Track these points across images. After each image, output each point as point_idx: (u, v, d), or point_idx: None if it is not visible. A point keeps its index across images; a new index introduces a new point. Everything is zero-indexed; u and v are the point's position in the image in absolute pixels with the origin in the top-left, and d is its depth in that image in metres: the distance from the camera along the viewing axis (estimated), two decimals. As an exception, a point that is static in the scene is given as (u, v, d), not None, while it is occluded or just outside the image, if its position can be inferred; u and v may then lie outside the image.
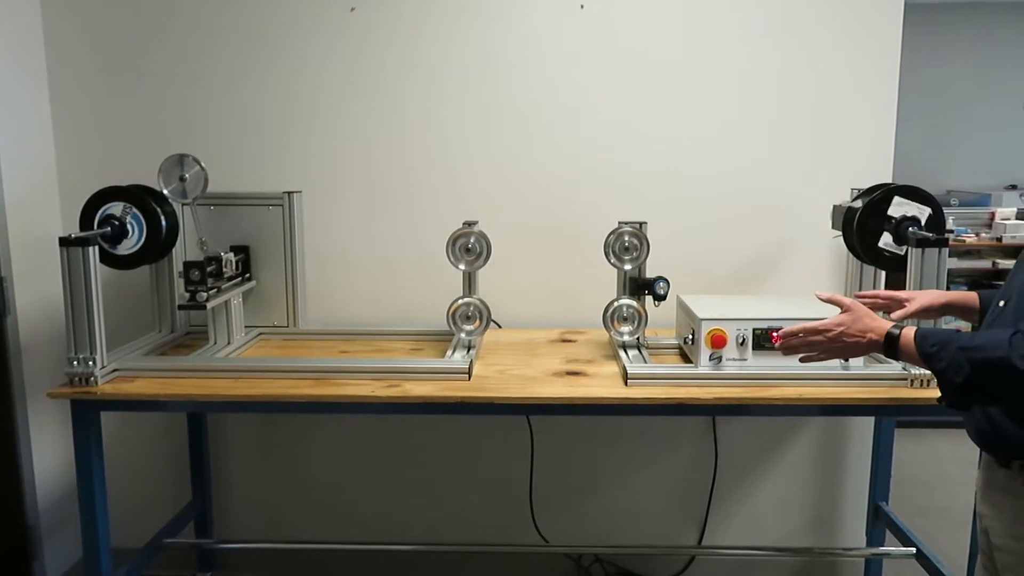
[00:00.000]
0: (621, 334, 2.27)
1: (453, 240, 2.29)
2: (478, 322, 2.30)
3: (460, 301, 2.30)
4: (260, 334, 2.57)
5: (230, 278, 2.40)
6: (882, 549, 2.76)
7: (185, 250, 2.47)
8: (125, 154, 2.68)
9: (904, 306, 1.78)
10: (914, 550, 2.53)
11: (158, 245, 2.28)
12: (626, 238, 2.27)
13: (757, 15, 2.60)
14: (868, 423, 2.77)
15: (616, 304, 2.28)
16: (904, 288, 1.99)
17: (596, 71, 2.64)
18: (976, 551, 2.05)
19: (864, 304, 1.69)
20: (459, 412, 2.36)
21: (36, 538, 2.63)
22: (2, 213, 2.47)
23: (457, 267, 2.30)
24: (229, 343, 2.40)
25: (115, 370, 2.11)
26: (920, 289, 1.96)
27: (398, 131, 2.69)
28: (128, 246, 2.25)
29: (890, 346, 1.54)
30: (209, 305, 2.22)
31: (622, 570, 2.91)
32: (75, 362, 2.02)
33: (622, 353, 2.23)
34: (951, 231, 4.86)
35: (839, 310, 1.67)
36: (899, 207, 2.15)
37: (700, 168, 2.67)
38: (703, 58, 2.63)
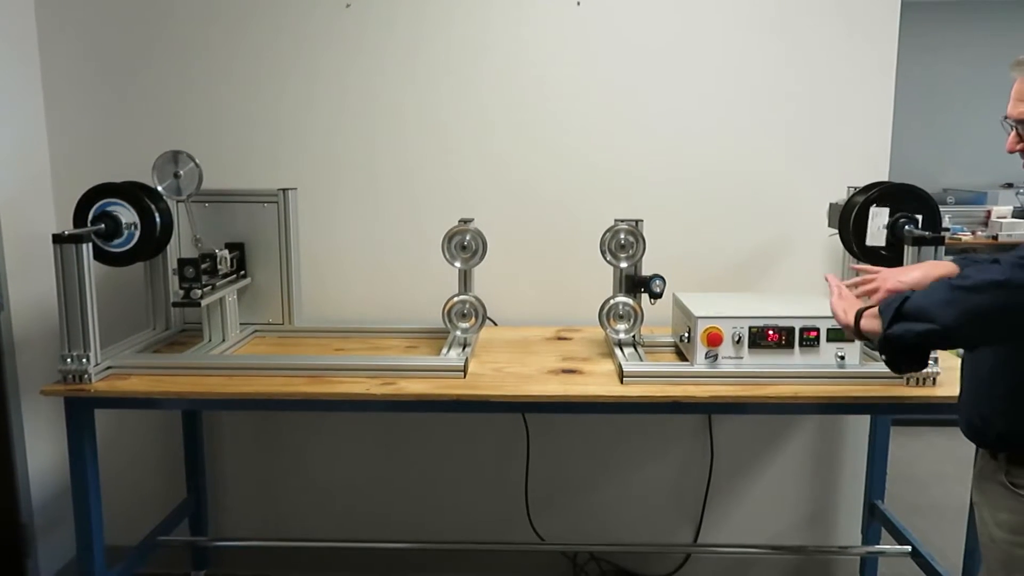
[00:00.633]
0: (617, 332, 2.27)
1: (449, 237, 2.28)
2: (474, 320, 2.29)
3: (456, 299, 2.29)
4: (255, 331, 2.56)
5: (225, 275, 2.39)
6: (878, 547, 2.76)
7: (180, 247, 2.46)
8: (119, 150, 2.66)
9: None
10: (909, 548, 2.54)
11: (152, 242, 2.27)
12: (622, 236, 2.27)
13: (754, 12, 2.60)
14: (864, 421, 2.78)
15: (612, 302, 2.27)
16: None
17: (592, 68, 2.64)
18: (971, 548, 2.06)
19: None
20: (455, 410, 2.37)
21: (30, 536, 2.62)
22: (-5, 210, 2.46)
23: (453, 264, 2.29)
24: (224, 341, 2.39)
25: (109, 367, 2.10)
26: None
27: (393, 128, 2.68)
28: (122, 243, 2.24)
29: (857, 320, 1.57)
30: (204, 302, 2.21)
31: (618, 568, 2.91)
32: (69, 359, 2.01)
33: (618, 351, 2.23)
34: (947, 229, 4.85)
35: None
36: (876, 218, 2.15)
37: (696, 166, 2.67)
38: (700, 56, 2.62)
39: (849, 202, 2.26)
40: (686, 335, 2.13)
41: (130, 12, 2.65)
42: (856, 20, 2.58)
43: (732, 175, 2.67)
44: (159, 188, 2.22)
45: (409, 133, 2.69)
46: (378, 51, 2.65)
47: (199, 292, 2.19)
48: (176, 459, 2.81)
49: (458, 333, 2.30)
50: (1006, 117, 1.56)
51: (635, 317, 2.27)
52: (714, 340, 2.04)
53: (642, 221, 2.28)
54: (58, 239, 1.98)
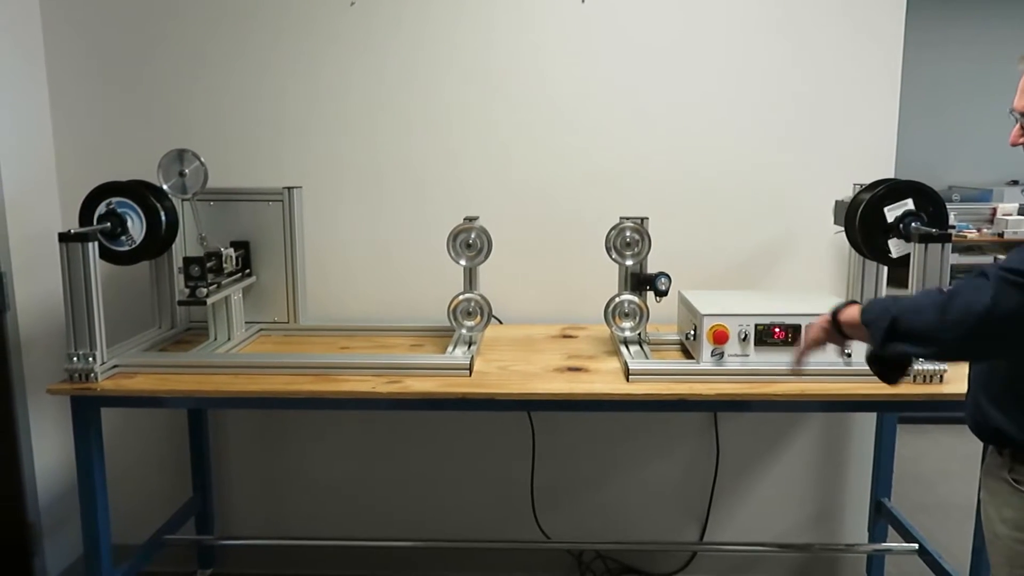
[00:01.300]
0: (622, 330, 2.27)
1: (454, 236, 2.28)
2: (479, 318, 2.29)
3: (461, 297, 2.29)
4: (260, 330, 2.56)
5: (230, 274, 2.39)
6: (884, 545, 2.76)
7: (185, 246, 2.46)
8: (125, 149, 2.67)
9: None
10: (916, 546, 2.53)
11: (158, 241, 2.28)
12: (627, 233, 2.26)
13: (759, 10, 2.59)
14: (870, 419, 2.77)
15: (617, 300, 2.27)
16: (906, 282, 1.99)
17: (597, 66, 2.63)
18: (979, 546, 2.05)
19: None
20: (460, 408, 2.36)
21: (37, 534, 2.63)
22: (1, 209, 2.46)
23: (458, 263, 2.29)
24: (229, 339, 2.39)
25: (115, 366, 2.11)
26: (922, 285, 1.95)
27: (398, 126, 2.68)
28: (127, 242, 2.24)
29: (835, 321, 1.60)
30: (209, 301, 2.22)
31: (624, 566, 2.91)
32: (75, 358, 2.01)
33: (623, 349, 2.23)
34: (953, 227, 4.85)
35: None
36: (893, 210, 2.14)
37: (702, 163, 2.66)
38: (705, 53, 2.62)
39: (855, 199, 2.26)
40: (692, 333, 2.13)
41: (135, 11, 2.65)
42: (861, 17, 2.58)
43: (737, 173, 2.66)
44: (164, 187, 2.22)
45: (414, 131, 2.69)
46: (382, 49, 2.64)
47: (204, 291, 2.19)
48: (182, 458, 2.81)
49: (463, 331, 2.30)
50: (1012, 110, 1.55)
51: (641, 315, 2.26)
52: (720, 338, 2.04)
53: (647, 219, 2.28)
54: (64, 238, 1.98)
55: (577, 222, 2.68)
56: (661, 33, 2.61)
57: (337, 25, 2.63)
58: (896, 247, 2.15)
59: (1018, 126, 1.56)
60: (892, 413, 2.68)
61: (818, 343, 1.66)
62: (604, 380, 2.06)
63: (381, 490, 2.89)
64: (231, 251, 2.39)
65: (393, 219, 2.73)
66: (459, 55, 2.64)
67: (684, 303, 2.28)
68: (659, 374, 2.05)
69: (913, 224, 2.09)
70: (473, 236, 2.27)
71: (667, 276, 2.27)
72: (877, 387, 1.98)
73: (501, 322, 2.67)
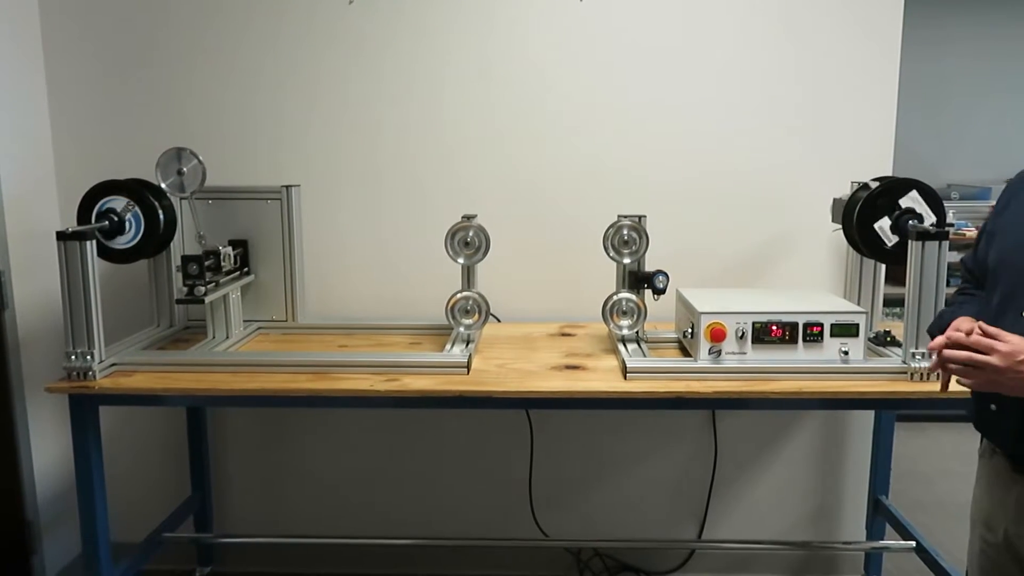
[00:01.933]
0: (620, 328, 2.27)
1: (452, 234, 2.28)
2: (477, 316, 2.29)
3: (459, 295, 2.29)
4: (259, 328, 2.56)
5: (228, 272, 2.39)
6: (882, 543, 2.76)
7: (183, 244, 2.46)
8: (123, 148, 2.67)
9: None
10: (914, 544, 2.53)
11: (156, 239, 2.28)
12: (625, 232, 2.26)
13: (757, 7, 2.59)
14: (868, 416, 2.77)
15: (615, 298, 2.27)
16: (904, 280, 1.99)
17: (595, 64, 2.63)
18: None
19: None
20: (458, 406, 2.37)
21: (35, 533, 2.63)
22: (0, 207, 2.46)
23: (456, 261, 2.29)
24: (228, 337, 2.39)
25: (113, 364, 2.11)
26: (920, 283, 1.95)
27: (397, 124, 2.68)
28: (126, 240, 2.24)
29: None
30: (207, 299, 2.22)
31: (622, 564, 2.91)
32: (73, 356, 2.01)
33: (621, 347, 2.23)
34: (951, 225, 4.84)
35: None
36: (910, 200, 2.14)
37: (700, 161, 2.66)
38: (703, 51, 2.62)
39: (853, 197, 2.26)
40: (689, 331, 2.13)
41: (134, 9, 2.65)
42: (860, 14, 2.58)
43: (735, 171, 2.66)
44: (163, 185, 2.22)
45: (412, 129, 2.69)
46: (381, 48, 2.64)
47: (203, 289, 2.19)
48: (181, 456, 2.82)
49: (461, 329, 2.30)
50: None
51: (638, 313, 2.26)
52: (718, 335, 2.04)
53: (645, 217, 2.28)
54: (62, 236, 1.98)
55: (575, 220, 2.68)
56: (659, 32, 2.61)
57: (336, 24, 2.63)
58: (884, 233, 2.15)
59: None
60: (890, 411, 2.68)
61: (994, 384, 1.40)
62: (602, 378, 2.07)
63: (379, 488, 2.90)
64: (229, 249, 2.39)
65: (391, 217, 2.73)
66: (457, 54, 2.64)
67: (682, 301, 2.28)
68: (657, 372, 2.05)
69: (911, 222, 2.09)
70: (471, 234, 2.28)
71: (665, 274, 2.27)
72: (875, 385, 2.00)
73: (499, 320, 2.68)
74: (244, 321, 2.52)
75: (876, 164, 2.58)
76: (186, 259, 2.20)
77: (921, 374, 1.99)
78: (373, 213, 2.73)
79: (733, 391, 1.98)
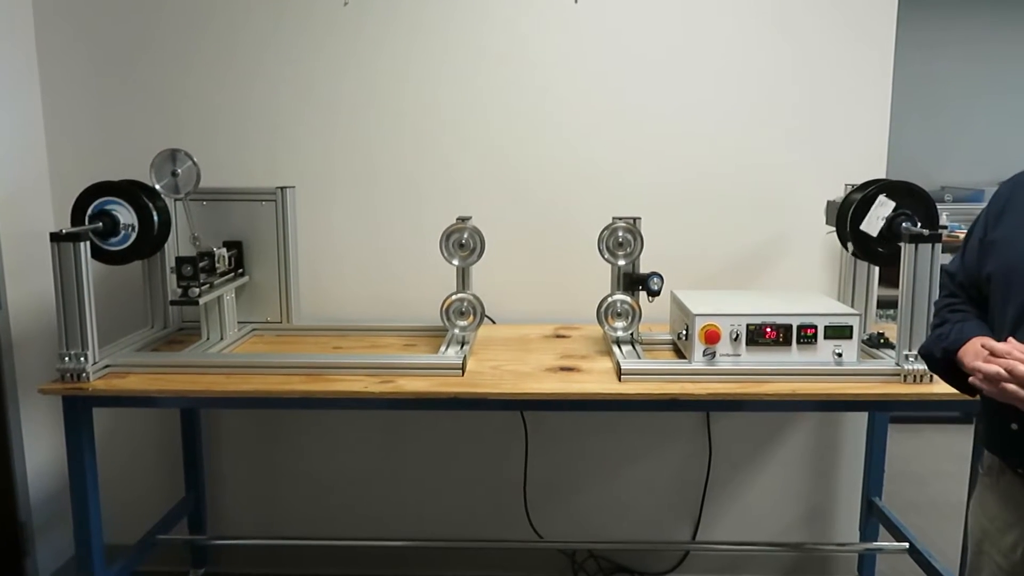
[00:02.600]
0: (615, 330, 2.27)
1: (447, 235, 2.28)
2: (472, 318, 2.29)
3: (454, 297, 2.29)
4: (253, 330, 2.56)
5: (223, 274, 2.39)
6: (875, 544, 2.77)
7: (177, 245, 2.46)
8: (117, 149, 2.66)
9: None
10: (907, 545, 2.54)
11: (150, 240, 2.27)
12: (620, 233, 2.27)
13: (751, 9, 2.60)
14: (862, 418, 2.78)
15: (610, 300, 2.28)
16: (897, 282, 1.99)
17: (589, 66, 2.64)
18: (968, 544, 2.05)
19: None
20: (453, 408, 2.35)
21: (28, 534, 2.62)
22: (-7, 208, 2.46)
23: (451, 262, 2.29)
24: (222, 339, 2.39)
25: (107, 366, 2.10)
26: (913, 285, 1.96)
27: (391, 126, 2.68)
28: (119, 242, 2.23)
29: None
30: (201, 301, 2.21)
31: (616, 565, 2.92)
32: (67, 358, 2.01)
33: (616, 349, 2.23)
34: (944, 227, 4.85)
35: None
36: (880, 207, 2.14)
37: (694, 164, 2.67)
38: (697, 53, 2.62)
39: (847, 200, 2.26)
40: (684, 332, 2.13)
41: (128, 10, 2.64)
42: (853, 17, 2.59)
43: (730, 173, 2.67)
44: (157, 186, 2.22)
45: (407, 131, 2.69)
46: (376, 49, 2.64)
47: (197, 290, 2.18)
48: (174, 457, 2.81)
49: (456, 331, 2.30)
50: None
51: (633, 315, 2.27)
52: (712, 337, 2.04)
53: (640, 219, 2.29)
54: (56, 238, 1.98)
55: (570, 222, 2.68)
56: (654, 34, 2.62)
57: (330, 25, 2.63)
58: (868, 224, 2.15)
59: None
60: (883, 412, 2.69)
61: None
62: (597, 380, 2.07)
63: (374, 490, 2.89)
64: (224, 251, 2.39)
65: (386, 219, 2.73)
66: (452, 55, 2.64)
67: (676, 303, 2.29)
68: (651, 374, 2.05)
69: (904, 224, 2.10)
70: (466, 236, 2.28)
71: (659, 276, 2.27)
72: (868, 387, 2.00)
73: (494, 322, 2.68)
74: (238, 323, 2.51)
75: (870, 166, 2.59)
76: (180, 260, 2.19)
77: (915, 376, 1.99)
78: (368, 215, 2.73)
79: (727, 393, 1.98)
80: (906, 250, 1.98)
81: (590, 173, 2.68)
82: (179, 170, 2.21)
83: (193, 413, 2.77)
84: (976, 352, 1.42)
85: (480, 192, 2.69)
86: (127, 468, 2.86)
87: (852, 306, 2.37)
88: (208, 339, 2.38)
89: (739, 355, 2.06)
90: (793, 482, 2.87)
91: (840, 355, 2.04)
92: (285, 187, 2.52)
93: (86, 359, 2.01)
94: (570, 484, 2.88)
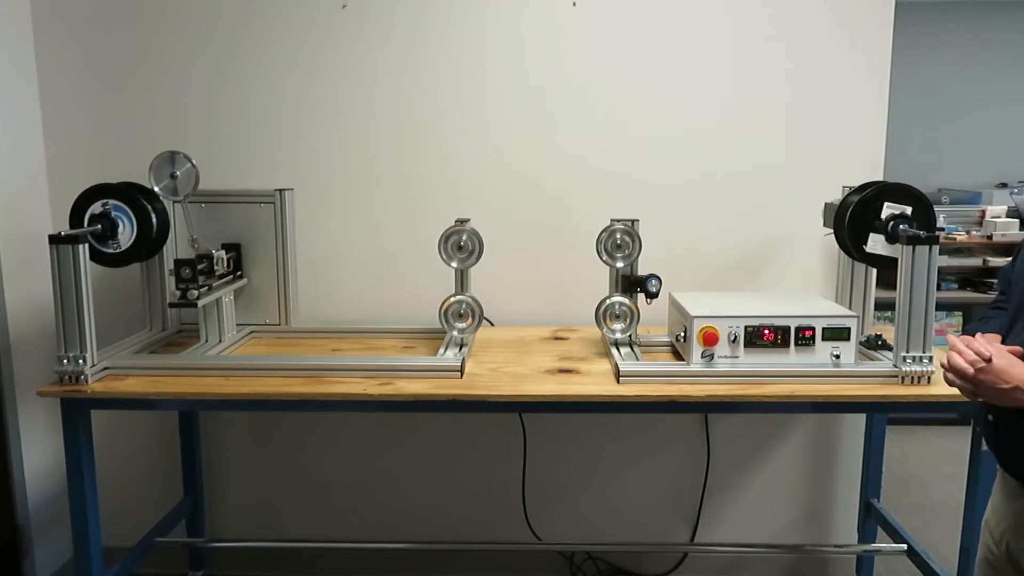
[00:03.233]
0: (613, 332, 2.27)
1: (445, 238, 2.28)
2: (470, 320, 2.30)
3: (452, 299, 2.30)
4: (252, 332, 2.56)
5: (221, 276, 2.39)
6: (874, 546, 2.77)
7: (176, 248, 2.45)
8: (115, 151, 2.66)
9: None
10: (905, 547, 2.54)
11: (149, 243, 2.27)
12: (618, 236, 2.27)
13: (750, 13, 2.60)
14: (859, 420, 2.78)
15: (608, 302, 2.28)
16: (896, 284, 2.00)
17: (588, 69, 2.64)
18: (967, 546, 2.06)
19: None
20: (452, 410, 2.36)
21: (26, 537, 2.62)
22: (-9, 211, 2.46)
23: (449, 265, 2.30)
24: (220, 341, 2.39)
25: (106, 368, 2.10)
26: (911, 287, 1.96)
27: (389, 128, 2.69)
28: (118, 244, 2.23)
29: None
30: (200, 303, 2.21)
31: (615, 567, 2.92)
32: (65, 360, 2.01)
33: (614, 351, 2.23)
34: (942, 229, 4.86)
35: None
36: (888, 208, 2.15)
37: (692, 166, 2.67)
38: (695, 56, 2.63)
39: (844, 202, 2.27)
40: (682, 334, 2.13)
41: (126, 13, 2.64)
42: (851, 20, 2.59)
43: (728, 175, 2.67)
44: (156, 189, 2.22)
45: (405, 133, 2.69)
46: (374, 51, 2.65)
47: (195, 293, 2.18)
48: (173, 460, 2.81)
49: (455, 333, 2.30)
50: None
51: (631, 317, 2.27)
52: (710, 339, 2.05)
53: (638, 221, 2.29)
54: (54, 240, 1.98)
55: (568, 224, 2.68)
56: (652, 37, 2.62)
57: (329, 27, 2.64)
58: (874, 243, 2.16)
59: None
60: (881, 414, 2.69)
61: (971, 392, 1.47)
62: (595, 382, 2.07)
63: (372, 492, 2.89)
64: (222, 253, 2.39)
65: (385, 221, 2.73)
66: (450, 57, 2.65)
67: (674, 305, 2.29)
68: (649, 376, 2.05)
69: (901, 226, 2.10)
70: (464, 238, 2.28)
71: (658, 278, 2.28)
72: (866, 388, 2.00)
73: (492, 324, 2.68)
74: (237, 325, 2.51)
75: (867, 168, 2.59)
76: (179, 263, 2.20)
77: (912, 377, 1.99)
78: (366, 217, 2.73)
79: (725, 395, 1.99)
80: (904, 252, 1.99)
81: (588, 175, 2.68)
82: (178, 172, 2.22)
83: (192, 415, 2.76)
84: None
85: (479, 194, 2.69)
86: (125, 470, 2.86)
87: (850, 308, 2.38)
88: (207, 341, 2.38)
89: (737, 357, 2.06)
90: (791, 484, 2.87)
91: (838, 357, 2.05)
92: (284, 189, 2.52)
93: (84, 361, 2.01)
94: (568, 486, 2.88)
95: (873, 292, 2.45)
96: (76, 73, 2.67)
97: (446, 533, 2.89)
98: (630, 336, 2.30)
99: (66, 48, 2.66)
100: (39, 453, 2.66)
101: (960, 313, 4.77)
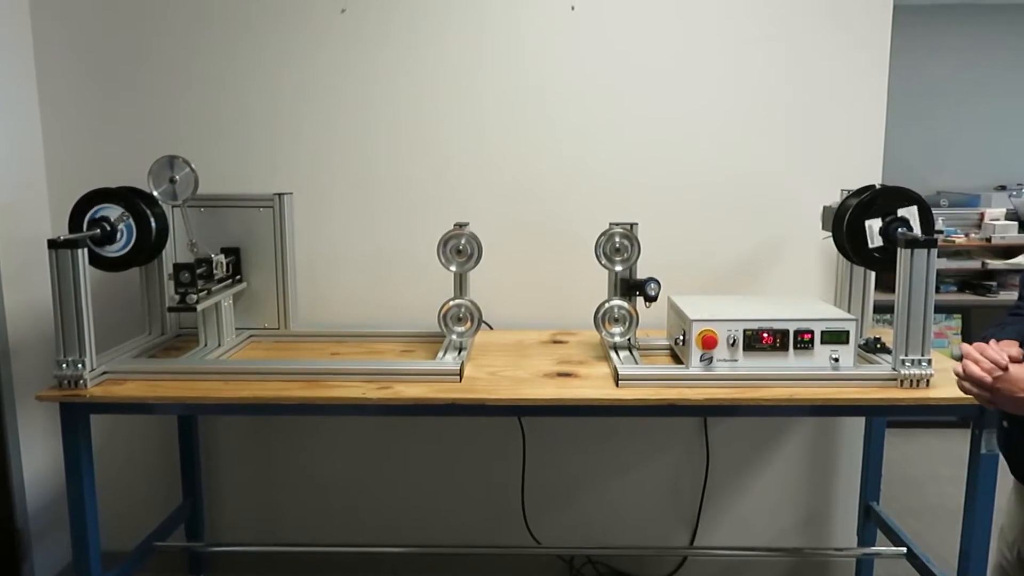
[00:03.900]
0: (612, 335, 2.28)
1: (444, 241, 2.28)
2: (469, 323, 2.30)
3: (451, 303, 2.30)
4: (251, 336, 2.56)
5: (220, 280, 2.39)
6: (873, 549, 2.77)
7: (175, 252, 2.46)
8: (115, 155, 2.67)
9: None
10: (905, 550, 2.54)
11: (148, 247, 2.27)
12: (617, 239, 2.27)
13: (748, 16, 2.61)
14: (859, 423, 2.78)
15: (607, 305, 2.28)
16: (894, 287, 2.00)
17: (587, 73, 2.64)
18: (967, 549, 2.06)
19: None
20: (451, 414, 2.36)
21: (25, 541, 2.62)
22: (-10, 215, 2.46)
23: (448, 268, 2.30)
24: (220, 345, 2.39)
25: (105, 372, 2.10)
26: (910, 290, 1.96)
27: (389, 132, 2.69)
28: (117, 249, 2.23)
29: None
30: (199, 307, 2.21)
31: (614, 571, 2.92)
32: (64, 365, 2.00)
33: (613, 354, 2.23)
34: (940, 232, 4.88)
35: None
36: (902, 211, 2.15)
37: (691, 169, 2.68)
38: (693, 60, 2.63)
39: (842, 205, 2.27)
40: (681, 338, 2.14)
41: (126, 18, 2.65)
42: (849, 23, 2.60)
43: (726, 179, 2.68)
44: (155, 193, 2.22)
45: (404, 137, 2.69)
46: (373, 56, 2.65)
47: (195, 297, 2.18)
48: (172, 464, 2.81)
49: (454, 337, 2.30)
50: None
51: (630, 320, 2.27)
52: (709, 343, 2.05)
53: (637, 224, 2.29)
54: (53, 244, 1.97)
55: (567, 228, 2.69)
56: (652, 41, 2.63)
57: (328, 31, 2.64)
58: (870, 231, 2.16)
59: None
60: (880, 417, 2.69)
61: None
62: (594, 385, 2.07)
63: (372, 496, 2.89)
64: (222, 257, 2.39)
65: (384, 225, 2.73)
66: (449, 61, 2.65)
67: (673, 308, 2.29)
68: (648, 379, 2.05)
69: (900, 229, 2.10)
70: (463, 242, 2.28)
71: (657, 282, 2.28)
72: (865, 391, 2.00)
73: (491, 328, 2.68)
74: (236, 329, 2.51)
75: (865, 172, 2.60)
76: (178, 267, 2.19)
77: (912, 381, 1.99)
78: (365, 221, 2.73)
79: (724, 398, 1.99)
80: (902, 255, 1.99)
81: (587, 179, 2.69)
82: (177, 177, 2.21)
83: (191, 419, 2.76)
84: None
85: (478, 198, 2.70)
86: (124, 475, 2.86)
87: (849, 311, 2.38)
88: (206, 345, 2.38)
89: (736, 360, 2.06)
90: (791, 487, 2.87)
91: (837, 360, 2.04)
92: (283, 193, 2.52)
93: (83, 366, 2.01)
94: (568, 490, 2.88)
95: (872, 295, 2.46)
96: (76, 78, 2.67)
97: (445, 537, 2.89)
98: (629, 340, 2.30)
99: (66, 53, 2.66)
100: (38, 457, 2.66)
101: (959, 316, 4.77)
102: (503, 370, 2.21)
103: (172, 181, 2.22)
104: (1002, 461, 1.77)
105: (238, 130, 2.69)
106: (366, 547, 2.82)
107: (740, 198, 2.68)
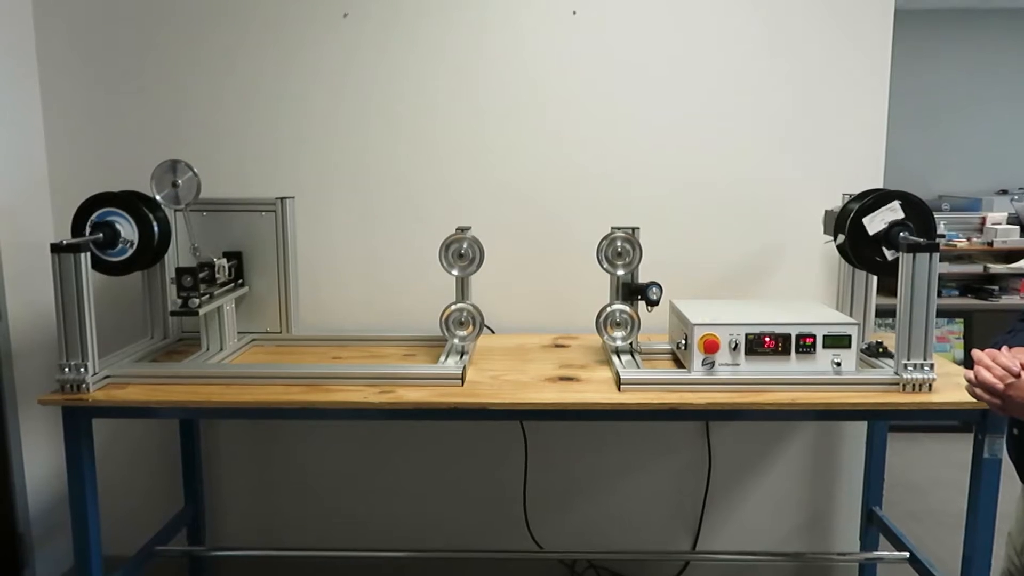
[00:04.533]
0: (614, 339, 2.27)
1: (446, 246, 2.29)
2: (471, 328, 2.30)
3: (453, 307, 2.30)
4: (253, 340, 2.56)
5: (222, 284, 2.39)
6: (875, 553, 2.76)
7: (177, 256, 2.46)
8: (117, 160, 2.67)
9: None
10: (907, 554, 2.54)
11: (150, 251, 2.28)
12: (619, 243, 2.27)
13: (749, 21, 2.61)
14: (861, 427, 2.78)
15: (609, 309, 2.28)
16: (896, 291, 2.00)
17: (588, 77, 2.65)
18: (969, 554, 2.05)
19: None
20: (453, 418, 2.36)
21: (27, 546, 2.62)
22: (-7, 219, 2.46)
23: (450, 273, 2.30)
24: (222, 349, 2.39)
25: (107, 377, 2.10)
26: (911, 294, 1.96)
27: (391, 137, 2.69)
28: (119, 253, 2.24)
29: None
30: (201, 311, 2.21)
31: (616, 575, 2.91)
32: (66, 369, 2.01)
33: (615, 358, 2.23)
34: (942, 236, 4.88)
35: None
36: (890, 211, 2.15)
37: (692, 173, 2.68)
38: (695, 64, 2.64)
39: (844, 209, 2.27)
40: (683, 342, 2.14)
41: (128, 22, 2.65)
42: (850, 28, 2.60)
43: (728, 183, 2.68)
44: (157, 197, 2.22)
45: (406, 142, 2.69)
46: (375, 61, 2.66)
47: (197, 301, 2.19)
48: (174, 468, 2.81)
49: (456, 341, 2.30)
50: None
51: (632, 324, 2.27)
52: (711, 347, 2.05)
53: (639, 229, 2.29)
54: (56, 248, 1.98)
55: (569, 232, 2.69)
56: (652, 46, 2.63)
57: (330, 37, 2.65)
58: (872, 223, 2.16)
59: None
60: (882, 421, 2.69)
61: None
62: (596, 389, 2.07)
63: (374, 500, 2.89)
64: (224, 261, 2.39)
65: (386, 229, 2.74)
66: (451, 67, 2.65)
67: (675, 313, 2.29)
68: (650, 383, 2.05)
69: (901, 234, 2.10)
70: (465, 246, 2.28)
71: (658, 286, 2.28)
72: (867, 396, 2.00)
73: (493, 332, 2.68)
74: (238, 333, 2.51)
75: (867, 176, 2.60)
76: (180, 271, 2.20)
77: (914, 385, 1.99)
78: (367, 225, 2.74)
79: (726, 402, 1.99)
80: (904, 259, 1.99)
81: (589, 183, 2.69)
82: (179, 181, 2.22)
83: (192, 424, 2.76)
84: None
85: (479, 202, 2.70)
86: (126, 479, 2.86)
87: (851, 315, 2.38)
88: (208, 350, 2.38)
89: (738, 364, 2.06)
90: (793, 491, 2.87)
91: (839, 364, 2.04)
92: (285, 198, 2.52)
93: (86, 370, 2.01)
94: (569, 494, 2.87)
95: (874, 299, 2.46)
96: (78, 82, 2.68)
97: (447, 541, 2.88)
98: (631, 344, 2.30)
99: (68, 57, 2.67)
100: (40, 461, 2.66)
101: (961, 320, 4.77)
102: (505, 374, 2.21)
103: (175, 185, 2.22)
104: (1009, 467, 1.76)
105: (240, 134, 2.69)
106: (368, 551, 2.82)
107: (742, 202, 2.68)
